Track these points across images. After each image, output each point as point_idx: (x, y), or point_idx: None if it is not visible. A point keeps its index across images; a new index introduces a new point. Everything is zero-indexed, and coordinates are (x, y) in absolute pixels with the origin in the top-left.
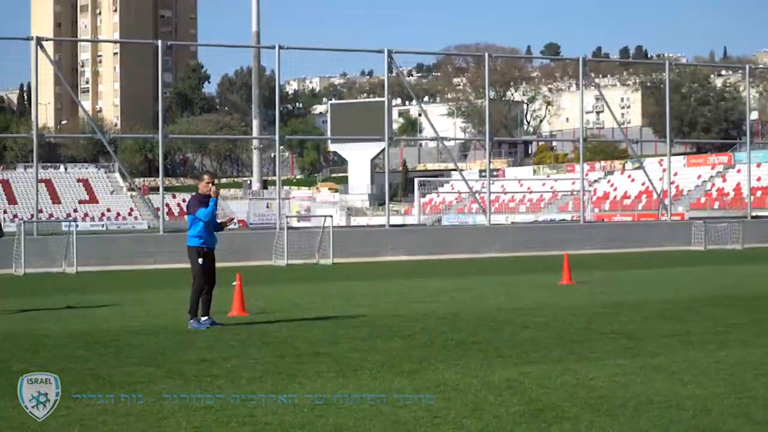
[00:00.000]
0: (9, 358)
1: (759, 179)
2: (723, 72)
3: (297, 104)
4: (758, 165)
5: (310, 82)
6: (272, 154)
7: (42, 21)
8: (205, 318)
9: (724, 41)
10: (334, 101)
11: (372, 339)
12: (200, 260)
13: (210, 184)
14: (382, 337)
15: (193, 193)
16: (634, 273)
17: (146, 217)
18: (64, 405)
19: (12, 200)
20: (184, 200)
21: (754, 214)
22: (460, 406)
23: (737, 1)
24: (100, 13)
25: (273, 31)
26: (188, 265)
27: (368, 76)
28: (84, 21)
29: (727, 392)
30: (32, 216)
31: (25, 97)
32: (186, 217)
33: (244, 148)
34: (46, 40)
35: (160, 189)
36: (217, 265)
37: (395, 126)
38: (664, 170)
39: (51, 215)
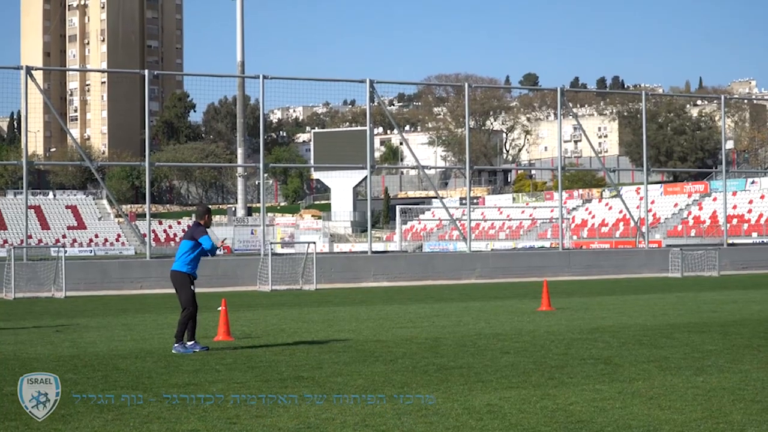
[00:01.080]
0: None
1: (735, 207)
2: (699, 102)
3: (281, 133)
4: (734, 193)
5: (294, 111)
6: (257, 182)
7: (31, 51)
8: (191, 342)
9: (699, 72)
10: (317, 130)
11: (354, 363)
12: (192, 287)
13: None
14: (365, 362)
15: (195, 221)
16: (612, 299)
17: (133, 243)
18: (53, 427)
19: (2, 226)
20: (170, 226)
21: (730, 241)
22: (442, 430)
23: (712, 33)
24: (88, 43)
25: (257, 61)
26: (174, 291)
27: (350, 106)
28: (72, 51)
29: (704, 417)
30: (22, 241)
31: (15, 125)
32: (182, 241)
33: (229, 175)
34: (36, 69)
35: (147, 216)
36: (203, 290)
37: (377, 154)
38: (641, 198)
39: (40, 241)
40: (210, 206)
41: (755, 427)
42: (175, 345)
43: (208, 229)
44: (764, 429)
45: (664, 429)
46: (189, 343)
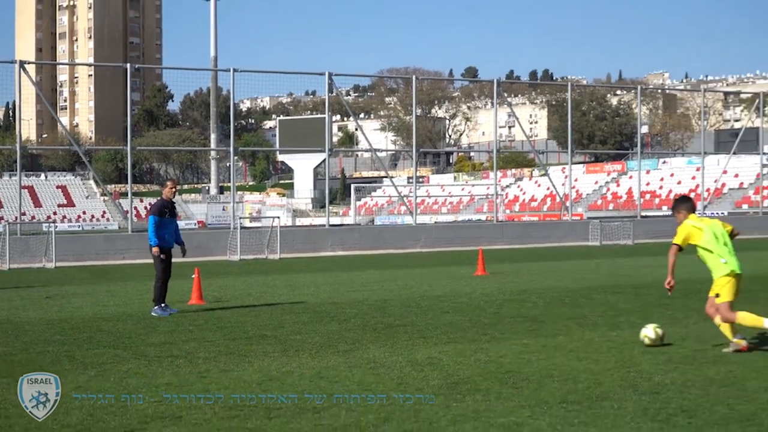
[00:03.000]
0: None
1: (648, 184)
2: (618, 92)
3: (249, 120)
4: (647, 172)
5: (261, 100)
6: (228, 164)
7: (25, 47)
8: (164, 305)
9: (619, 65)
10: (281, 117)
11: (312, 323)
12: (162, 256)
13: (173, 190)
14: (321, 322)
15: (158, 198)
16: (539, 265)
17: (117, 218)
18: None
19: None
20: (150, 203)
21: (643, 214)
22: (388, 380)
23: (630, 29)
24: (76, 40)
25: (229, 55)
26: (152, 261)
27: (312, 96)
28: (62, 47)
29: (617, 367)
30: (16, 218)
31: (10, 114)
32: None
33: (203, 158)
34: (29, 63)
35: (129, 194)
36: (178, 260)
37: (335, 139)
38: (566, 177)
39: (33, 217)
40: (185, 185)
41: (661, 375)
42: (154, 308)
43: (176, 206)
44: (669, 376)
45: (581, 377)
46: (162, 305)
